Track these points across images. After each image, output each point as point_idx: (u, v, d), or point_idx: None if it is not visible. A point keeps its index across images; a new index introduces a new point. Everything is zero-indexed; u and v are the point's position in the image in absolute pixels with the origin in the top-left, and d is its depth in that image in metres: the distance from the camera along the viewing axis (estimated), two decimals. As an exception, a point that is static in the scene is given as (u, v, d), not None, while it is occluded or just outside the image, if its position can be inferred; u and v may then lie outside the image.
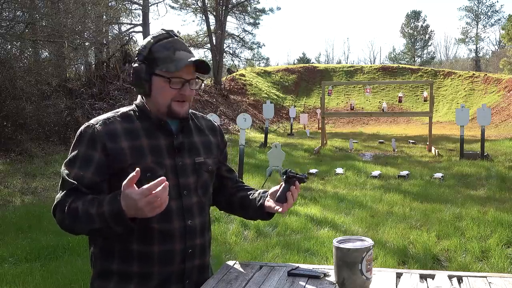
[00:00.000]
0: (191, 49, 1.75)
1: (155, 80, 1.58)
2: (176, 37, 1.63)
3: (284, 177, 1.70)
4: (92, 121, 1.61)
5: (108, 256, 1.61)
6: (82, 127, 1.59)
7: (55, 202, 1.52)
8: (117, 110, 1.67)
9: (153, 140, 1.61)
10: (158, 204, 1.34)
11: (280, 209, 1.67)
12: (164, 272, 1.60)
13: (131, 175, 1.34)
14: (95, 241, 1.64)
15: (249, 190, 1.85)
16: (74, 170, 1.53)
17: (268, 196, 1.74)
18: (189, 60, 1.57)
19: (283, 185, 1.70)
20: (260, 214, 1.77)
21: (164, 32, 1.62)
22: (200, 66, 1.60)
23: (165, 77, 1.57)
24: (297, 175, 1.71)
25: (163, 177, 1.35)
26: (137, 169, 1.34)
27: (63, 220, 1.49)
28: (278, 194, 1.69)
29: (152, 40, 1.60)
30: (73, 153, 1.56)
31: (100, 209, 1.41)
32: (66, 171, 1.54)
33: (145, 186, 1.33)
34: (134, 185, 1.35)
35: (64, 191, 1.51)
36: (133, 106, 1.67)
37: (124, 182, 1.35)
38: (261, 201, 1.75)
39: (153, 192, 1.32)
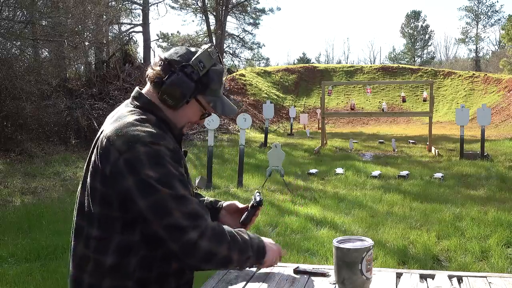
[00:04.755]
0: (191, 49, 1.69)
1: (193, 104, 1.55)
2: (223, 65, 1.61)
3: (256, 203, 1.74)
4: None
5: None
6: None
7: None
8: (145, 120, 1.48)
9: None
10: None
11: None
12: None
13: None
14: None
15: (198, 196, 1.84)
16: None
17: (224, 210, 1.76)
18: (234, 111, 1.62)
19: (249, 209, 1.74)
20: None
21: (216, 52, 1.57)
22: None
23: (205, 109, 1.58)
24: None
25: None
26: None
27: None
28: (244, 217, 1.73)
29: (211, 61, 1.53)
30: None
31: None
32: None
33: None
34: None
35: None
36: (151, 116, 1.51)
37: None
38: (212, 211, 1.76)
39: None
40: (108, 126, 1.49)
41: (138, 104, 1.54)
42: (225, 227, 1.49)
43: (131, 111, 1.52)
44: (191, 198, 1.41)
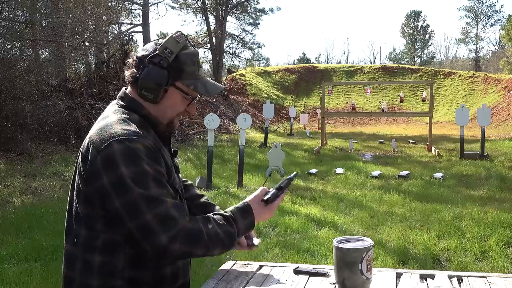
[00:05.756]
0: (158, 41, 1.65)
1: (173, 92, 1.53)
2: (194, 48, 1.59)
3: (284, 184, 1.67)
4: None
5: None
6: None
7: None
8: (127, 119, 1.49)
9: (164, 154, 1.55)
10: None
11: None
12: None
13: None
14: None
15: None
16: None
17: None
18: (219, 89, 1.60)
19: (275, 189, 1.66)
20: None
21: (184, 37, 1.54)
22: None
23: (188, 94, 1.54)
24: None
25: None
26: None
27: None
28: (270, 197, 1.66)
29: (178, 45, 1.51)
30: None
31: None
32: None
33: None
34: None
35: None
36: (134, 114, 1.52)
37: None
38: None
39: None
40: (93, 127, 1.51)
41: (122, 103, 1.55)
42: (209, 219, 1.46)
43: (115, 110, 1.53)
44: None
